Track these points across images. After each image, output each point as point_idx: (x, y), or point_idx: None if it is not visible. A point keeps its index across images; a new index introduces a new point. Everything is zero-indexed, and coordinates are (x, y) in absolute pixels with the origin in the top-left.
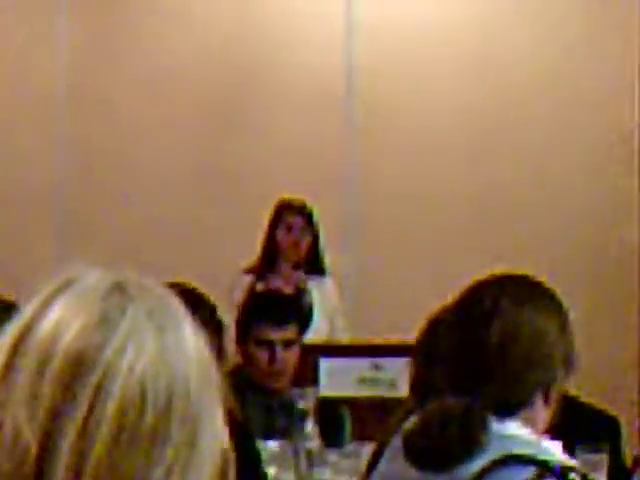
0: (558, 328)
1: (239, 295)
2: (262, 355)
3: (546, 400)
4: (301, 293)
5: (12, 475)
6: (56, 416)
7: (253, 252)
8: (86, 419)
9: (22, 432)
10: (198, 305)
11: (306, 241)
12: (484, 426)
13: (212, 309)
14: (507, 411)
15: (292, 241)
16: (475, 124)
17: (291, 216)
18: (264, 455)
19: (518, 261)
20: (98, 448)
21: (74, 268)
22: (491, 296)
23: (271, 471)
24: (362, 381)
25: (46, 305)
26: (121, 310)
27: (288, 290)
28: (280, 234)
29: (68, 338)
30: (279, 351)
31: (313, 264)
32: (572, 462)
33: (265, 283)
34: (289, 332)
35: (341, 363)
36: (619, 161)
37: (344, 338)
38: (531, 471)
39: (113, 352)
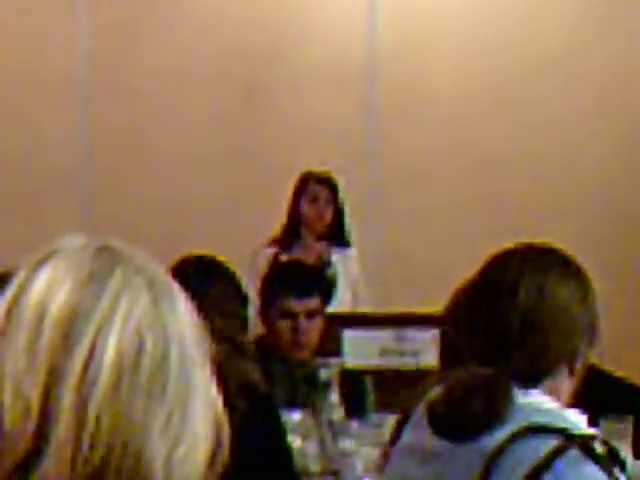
0: (582, 297)
1: (262, 267)
2: (285, 326)
3: (571, 370)
4: (324, 264)
5: (15, 428)
6: (55, 369)
7: (274, 228)
8: (85, 369)
9: (22, 387)
10: (222, 275)
11: (330, 212)
12: (508, 397)
13: (236, 280)
14: (531, 381)
15: (316, 212)
16: (495, 96)
17: (316, 187)
18: (287, 426)
19: (540, 230)
20: (98, 397)
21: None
22: (514, 266)
23: (295, 442)
24: (385, 352)
25: (36, 269)
26: (111, 267)
27: (311, 261)
28: (305, 205)
29: (61, 294)
30: (302, 322)
31: (337, 236)
32: (594, 431)
33: (289, 254)
34: (312, 303)
35: (364, 334)
36: (636, 134)
37: (367, 308)
38: (554, 441)
39: (107, 304)
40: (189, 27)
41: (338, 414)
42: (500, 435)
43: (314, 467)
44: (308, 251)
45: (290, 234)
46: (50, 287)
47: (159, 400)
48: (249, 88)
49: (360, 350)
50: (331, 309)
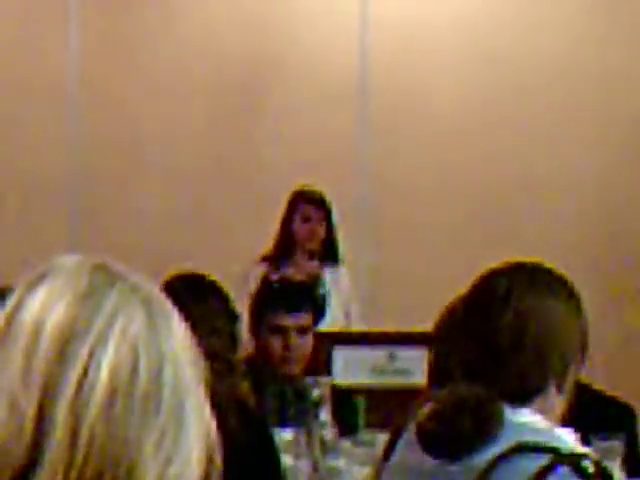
0: (571, 314)
1: (253, 284)
2: (276, 342)
3: (559, 388)
4: (315, 281)
5: (10, 444)
6: (49, 386)
7: (266, 241)
8: (79, 387)
9: (17, 403)
10: (212, 293)
11: (322, 231)
12: (498, 415)
13: (225, 297)
14: (521, 399)
15: (308, 231)
16: (488, 114)
17: (307, 206)
18: (279, 444)
19: (533, 249)
20: (92, 415)
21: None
22: (504, 283)
23: (285, 459)
24: (377, 370)
25: (33, 286)
26: (107, 286)
27: (302, 278)
28: (296, 224)
29: (57, 312)
30: (293, 337)
31: (328, 253)
32: (585, 449)
33: (280, 272)
34: (303, 319)
35: (356, 352)
36: (633, 148)
37: (359, 326)
38: (544, 459)
39: (103, 322)
40: (182, 39)
41: (329, 432)
42: (490, 453)
43: None
44: (300, 269)
45: (282, 252)
46: (46, 304)
47: (152, 419)
48: (240, 105)
49: (351, 368)
50: (323, 328)
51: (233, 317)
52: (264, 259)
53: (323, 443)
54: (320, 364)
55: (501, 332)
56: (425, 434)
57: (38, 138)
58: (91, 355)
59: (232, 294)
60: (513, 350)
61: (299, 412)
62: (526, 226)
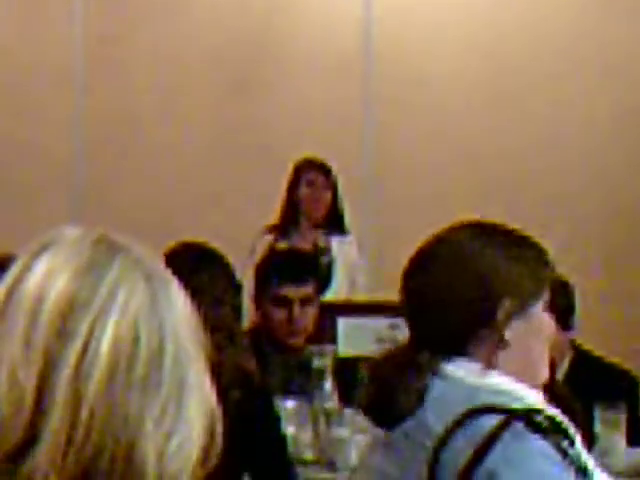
0: (508, 258)
1: (259, 255)
2: (280, 313)
3: (500, 339)
4: (319, 250)
5: (9, 418)
6: (50, 359)
7: (271, 213)
8: (80, 361)
9: (18, 376)
10: (214, 263)
11: (326, 198)
12: (426, 370)
13: (228, 267)
14: (448, 350)
15: (314, 197)
16: (493, 88)
17: (312, 172)
18: (282, 414)
19: (535, 222)
20: (93, 389)
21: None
22: (439, 239)
23: (289, 430)
24: (380, 340)
25: (34, 258)
26: (109, 258)
27: (306, 248)
28: (301, 190)
29: (59, 284)
30: (297, 309)
31: (334, 222)
32: (540, 405)
33: (286, 242)
34: (307, 289)
35: (359, 322)
36: (634, 126)
37: (364, 296)
38: (496, 419)
39: (105, 295)
40: (184, 19)
41: (332, 402)
42: (448, 418)
43: (308, 455)
44: (306, 238)
45: (287, 221)
46: (48, 276)
47: (154, 393)
48: (244, 79)
49: (354, 338)
50: (328, 296)
51: (236, 287)
52: (270, 229)
53: (326, 413)
54: (323, 334)
55: (426, 285)
56: (365, 408)
57: (44, 112)
58: (91, 330)
59: (238, 265)
60: (432, 301)
61: (302, 382)
62: (527, 198)
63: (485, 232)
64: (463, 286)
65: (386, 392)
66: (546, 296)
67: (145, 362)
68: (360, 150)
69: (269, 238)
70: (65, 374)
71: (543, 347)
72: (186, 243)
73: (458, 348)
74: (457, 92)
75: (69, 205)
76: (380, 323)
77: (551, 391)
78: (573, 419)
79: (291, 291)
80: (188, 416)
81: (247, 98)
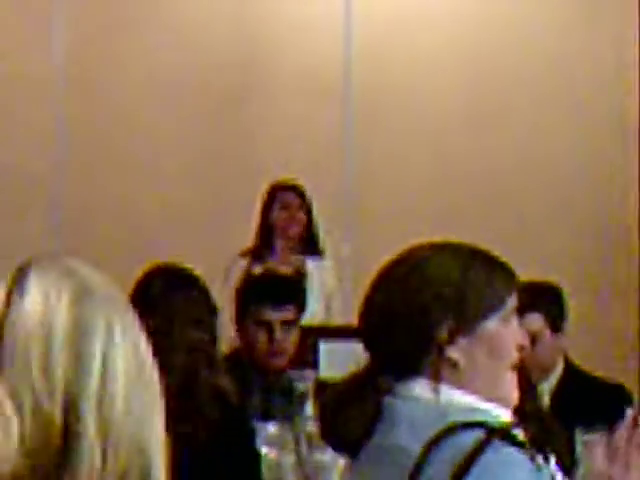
0: (455, 277)
1: (236, 278)
2: (261, 336)
3: (443, 357)
4: (300, 274)
5: (38, 445)
6: (72, 384)
7: (250, 235)
8: (102, 383)
9: (41, 404)
10: (189, 285)
11: (301, 219)
12: (378, 390)
13: (204, 290)
14: (404, 369)
15: (288, 218)
16: (472, 108)
17: (285, 194)
18: (264, 438)
19: (518, 244)
20: (118, 408)
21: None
22: (393, 260)
23: (271, 453)
24: (361, 364)
25: (20, 284)
26: (94, 283)
27: (287, 271)
28: (275, 213)
29: (62, 309)
30: (278, 331)
31: (309, 244)
32: (510, 418)
33: (262, 265)
34: (288, 312)
35: (340, 346)
36: (617, 143)
37: (340, 321)
38: (477, 434)
39: (105, 318)
40: (168, 34)
41: (314, 426)
42: (423, 436)
43: (290, 479)
44: (281, 262)
45: (263, 245)
46: (46, 302)
47: (158, 405)
48: (229, 101)
49: (336, 362)
50: (303, 320)
51: (212, 309)
52: (245, 253)
53: (308, 437)
54: (305, 358)
55: (377, 305)
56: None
57: (24, 130)
58: (106, 352)
59: (214, 288)
60: (381, 321)
61: (284, 406)
62: (509, 217)
63: (436, 252)
64: (407, 306)
65: (338, 415)
66: (506, 313)
67: (149, 376)
68: (340, 173)
69: (244, 263)
70: (90, 397)
71: (500, 365)
72: (161, 265)
73: (409, 367)
74: (439, 114)
75: (48, 223)
76: (361, 347)
77: (531, 412)
78: (552, 441)
79: (272, 314)
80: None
81: (229, 119)
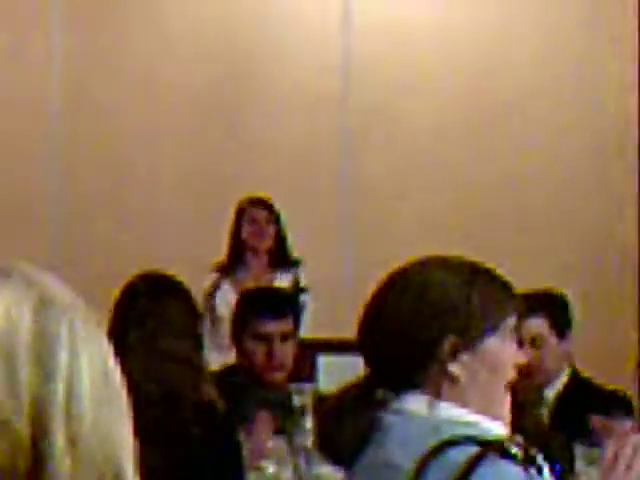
0: (457, 294)
1: (205, 291)
2: (260, 349)
3: (445, 372)
4: (297, 288)
5: (9, 464)
6: (39, 398)
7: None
8: (69, 396)
9: (9, 420)
10: (175, 294)
11: (269, 233)
12: (374, 403)
13: (189, 299)
14: (402, 383)
15: (256, 232)
16: (470, 124)
17: (253, 208)
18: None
19: (518, 261)
20: (86, 422)
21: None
22: (392, 275)
23: (269, 467)
24: (360, 378)
25: None
26: (53, 292)
27: (286, 285)
28: (245, 228)
29: (25, 319)
30: (277, 344)
31: (280, 257)
32: (508, 434)
33: (232, 279)
34: (286, 325)
35: (340, 360)
36: (617, 159)
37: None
38: (472, 449)
39: (68, 328)
40: (164, 48)
41: (312, 440)
42: (415, 453)
43: None
44: (253, 276)
45: (233, 259)
46: (7, 315)
47: (124, 417)
48: (222, 115)
49: (335, 376)
50: None
51: (198, 318)
52: (217, 267)
53: (307, 451)
54: (304, 372)
55: (376, 318)
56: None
57: (20, 149)
58: (71, 363)
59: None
60: (381, 334)
61: (283, 420)
62: (506, 229)
63: (438, 267)
64: (408, 322)
65: (334, 427)
66: (506, 331)
67: (115, 386)
68: (336, 191)
69: (214, 276)
70: (58, 413)
71: (499, 382)
72: (146, 274)
73: (408, 381)
74: (437, 130)
75: (46, 238)
76: (360, 360)
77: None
78: (548, 454)
79: (271, 327)
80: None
81: (224, 138)
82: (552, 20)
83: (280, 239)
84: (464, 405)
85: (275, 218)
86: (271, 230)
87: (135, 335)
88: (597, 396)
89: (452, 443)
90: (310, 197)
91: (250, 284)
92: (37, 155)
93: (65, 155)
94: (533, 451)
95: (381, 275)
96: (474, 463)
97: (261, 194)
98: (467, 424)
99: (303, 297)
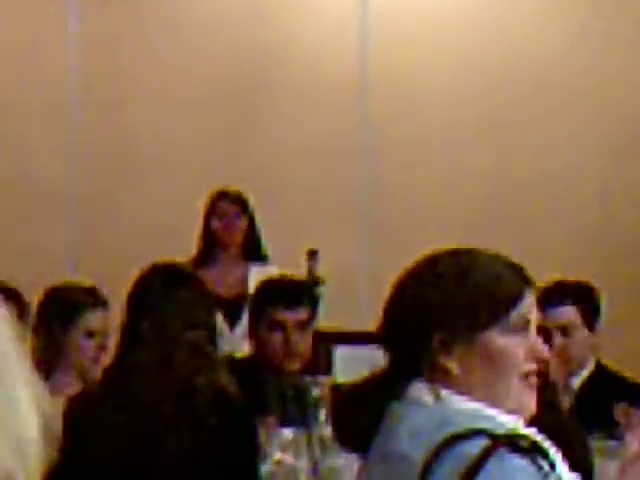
0: (450, 284)
1: None
2: (276, 337)
3: (437, 365)
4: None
5: None
6: None
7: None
8: None
9: None
10: (189, 284)
11: (240, 227)
12: (386, 391)
13: (203, 288)
14: (411, 374)
15: (225, 227)
16: (489, 111)
17: (223, 203)
18: (279, 442)
19: (532, 256)
20: None
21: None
22: (408, 269)
23: (286, 459)
24: (376, 369)
25: None
26: None
27: (230, 280)
28: (214, 222)
29: None
30: (293, 332)
31: (251, 251)
32: (519, 429)
33: (203, 273)
34: (302, 314)
35: (355, 351)
36: (631, 148)
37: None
38: (482, 442)
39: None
40: (181, 40)
41: (328, 431)
42: (426, 445)
43: None
44: (225, 270)
45: (204, 254)
46: None
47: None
48: (239, 110)
49: (351, 367)
50: (238, 327)
51: (211, 308)
52: (189, 262)
53: (323, 442)
54: (320, 363)
55: (387, 312)
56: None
57: (37, 141)
58: None
59: None
60: (390, 327)
61: (299, 411)
62: (524, 230)
63: (442, 260)
64: (406, 314)
65: (350, 415)
66: (511, 325)
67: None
68: (355, 182)
69: None
70: None
71: (503, 376)
72: (161, 264)
73: (411, 371)
74: (455, 119)
75: (63, 238)
76: (376, 352)
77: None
78: (567, 450)
79: (287, 315)
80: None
81: (240, 131)
82: (573, 11)
83: (251, 232)
84: (473, 398)
85: (245, 211)
86: (242, 224)
87: (148, 324)
88: (621, 386)
89: (463, 436)
90: (327, 189)
91: (222, 278)
92: (54, 147)
93: (82, 147)
94: (545, 445)
95: (398, 268)
96: (483, 458)
97: (231, 188)
98: (476, 416)
99: (318, 288)
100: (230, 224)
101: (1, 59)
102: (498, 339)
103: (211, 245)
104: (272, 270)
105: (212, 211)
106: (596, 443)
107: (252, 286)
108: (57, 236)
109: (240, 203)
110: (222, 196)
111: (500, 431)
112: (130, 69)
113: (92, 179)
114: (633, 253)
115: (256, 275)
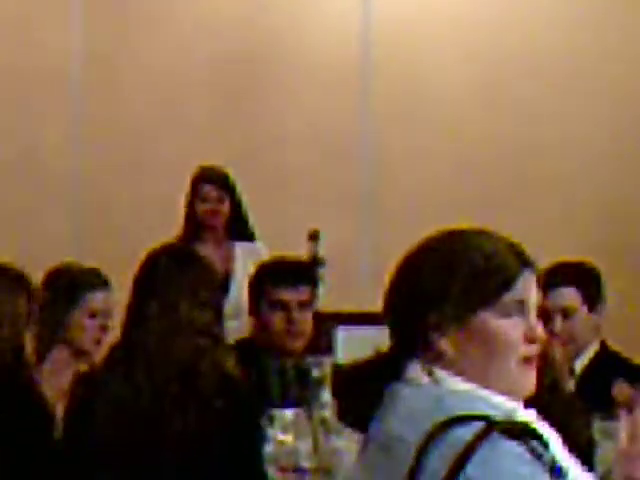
0: (443, 265)
1: None
2: (278, 317)
3: (427, 341)
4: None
5: None
6: None
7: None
8: None
9: None
10: (196, 266)
11: (222, 209)
12: (386, 371)
13: (210, 270)
14: (410, 353)
15: (207, 210)
16: (492, 97)
17: (206, 186)
18: (280, 423)
19: (537, 231)
20: None
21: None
22: (407, 252)
23: (287, 439)
24: (379, 350)
25: None
26: None
27: (216, 259)
28: (197, 205)
29: None
30: (295, 311)
31: (236, 231)
32: (515, 410)
33: None
34: (303, 293)
35: (358, 332)
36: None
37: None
38: (477, 427)
39: None
40: (183, 30)
41: (330, 412)
42: (420, 427)
43: (306, 464)
44: (210, 249)
45: (189, 235)
46: None
47: None
48: (242, 92)
49: (353, 348)
50: (227, 305)
51: (218, 289)
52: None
53: (324, 423)
54: (322, 344)
55: (386, 293)
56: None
57: (42, 126)
58: None
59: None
60: (388, 309)
61: (300, 392)
62: (528, 211)
63: (438, 241)
64: (401, 296)
65: (353, 393)
66: (505, 306)
67: None
68: (358, 165)
69: None
70: None
71: (498, 358)
72: (167, 245)
73: (408, 351)
74: (457, 107)
75: (69, 223)
76: (379, 332)
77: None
78: (569, 431)
79: (288, 294)
80: None
81: (244, 113)
82: (578, 10)
83: (235, 212)
84: (467, 379)
85: (228, 192)
86: (224, 207)
87: (155, 305)
88: (624, 368)
89: (457, 420)
90: (331, 171)
91: (208, 258)
92: (55, 136)
93: (86, 142)
94: (539, 426)
95: (399, 249)
96: (476, 441)
97: (212, 167)
98: (471, 397)
99: (320, 269)
100: (213, 207)
101: (4, 45)
102: (492, 321)
103: (196, 226)
104: (259, 247)
105: (195, 194)
106: (598, 423)
107: (240, 264)
108: (62, 222)
109: (223, 186)
110: (203, 178)
111: (496, 412)
112: (133, 47)
113: (97, 172)
114: None
115: (243, 253)
